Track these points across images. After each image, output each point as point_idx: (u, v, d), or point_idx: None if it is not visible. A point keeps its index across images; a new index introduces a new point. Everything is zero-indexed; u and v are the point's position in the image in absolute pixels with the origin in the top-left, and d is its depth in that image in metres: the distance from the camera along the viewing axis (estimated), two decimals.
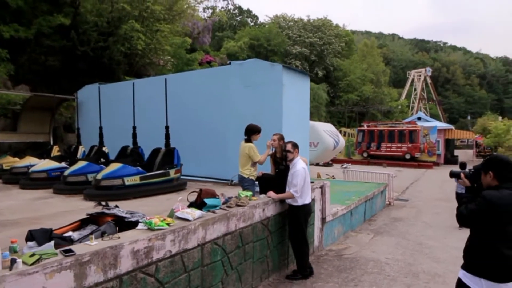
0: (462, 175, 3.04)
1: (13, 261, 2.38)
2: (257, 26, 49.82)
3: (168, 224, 3.41)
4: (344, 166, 20.68)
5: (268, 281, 5.01)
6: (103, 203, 4.13)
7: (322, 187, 6.67)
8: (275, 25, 45.66)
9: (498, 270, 2.65)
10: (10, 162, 10.73)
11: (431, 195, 14.36)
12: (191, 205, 4.35)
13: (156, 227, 3.29)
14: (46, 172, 8.99)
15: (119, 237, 3.04)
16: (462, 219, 2.83)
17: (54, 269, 2.47)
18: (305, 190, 5.12)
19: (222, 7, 50.64)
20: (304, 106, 9.65)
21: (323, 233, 6.87)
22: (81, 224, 3.78)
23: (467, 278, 2.79)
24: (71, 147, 11.24)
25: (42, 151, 11.50)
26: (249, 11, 57.88)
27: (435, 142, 28.73)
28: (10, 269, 2.34)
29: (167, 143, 8.89)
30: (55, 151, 11.15)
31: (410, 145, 27.98)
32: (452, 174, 3.21)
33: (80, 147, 10.67)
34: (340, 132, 24.92)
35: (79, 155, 10.30)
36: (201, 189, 4.66)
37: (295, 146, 5.19)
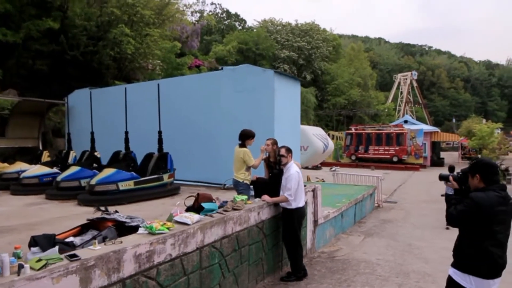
0: (451, 178, 3.20)
1: (20, 266, 2.44)
2: (245, 30, 50.06)
3: (168, 228, 3.49)
4: (332, 169, 20.89)
5: (264, 283, 5.09)
6: (103, 208, 4.16)
7: (314, 191, 6.78)
8: (263, 29, 45.93)
9: (485, 267, 2.81)
10: None
11: (418, 197, 14.60)
12: (188, 209, 4.41)
13: (157, 232, 3.36)
14: (38, 177, 8.94)
15: (121, 242, 3.10)
16: (452, 220, 2.99)
17: (60, 273, 2.53)
18: (298, 193, 5.23)
19: (210, 11, 50.95)
20: (295, 110, 9.81)
21: (316, 236, 6.98)
22: (82, 229, 3.81)
23: (457, 275, 2.95)
24: (62, 152, 11.15)
25: (32, 157, 11.39)
26: (237, 15, 58.33)
27: (422, 144, 29.12)
28: (18, 274, 2.40)
29: (160, 148, 8.92)
30: (46, 157, 11.07)
31: (397, 148, 28.35)
32: (441, 177, 3.32)
33: (71, 152, 10.61)
34: (329, 135, 25.15)
35: (70, 160, 10.24)
36: (198, 193, 4.71)
37: (289, 150, 5.31)
